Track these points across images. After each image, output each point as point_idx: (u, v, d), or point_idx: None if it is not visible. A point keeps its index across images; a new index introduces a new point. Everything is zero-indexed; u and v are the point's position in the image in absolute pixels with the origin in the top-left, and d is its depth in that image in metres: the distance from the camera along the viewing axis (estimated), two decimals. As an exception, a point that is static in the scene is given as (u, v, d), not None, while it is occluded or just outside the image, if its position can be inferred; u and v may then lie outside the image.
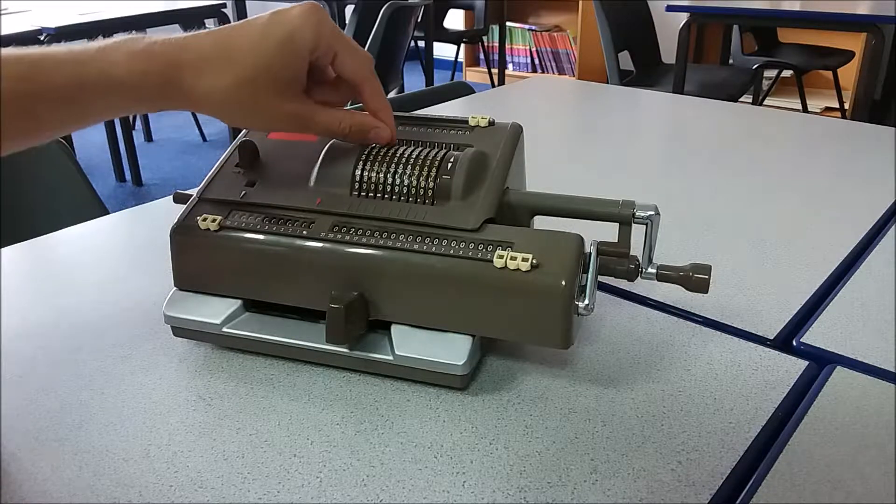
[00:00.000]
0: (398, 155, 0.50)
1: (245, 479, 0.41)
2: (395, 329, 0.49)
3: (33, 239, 0.74)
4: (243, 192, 0.52)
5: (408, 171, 0.49)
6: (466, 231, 0.47)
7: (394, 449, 0.44)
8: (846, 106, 3.36)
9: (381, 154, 0.50)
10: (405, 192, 0.49)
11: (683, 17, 2.53)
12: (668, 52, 2.78)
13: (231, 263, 0.51)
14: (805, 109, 3.20)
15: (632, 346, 0.53)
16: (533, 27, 4.63)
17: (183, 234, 0.51)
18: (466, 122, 0.54)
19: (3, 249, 0.71)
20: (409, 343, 0.48)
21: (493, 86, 4.30)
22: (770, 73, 3.43)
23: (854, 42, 3.00)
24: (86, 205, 0.91)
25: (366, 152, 0.51)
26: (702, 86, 2.65)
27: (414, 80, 4.35)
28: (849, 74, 3.28)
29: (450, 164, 0.49)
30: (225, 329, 0.51)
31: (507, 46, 4.71)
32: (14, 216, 0.81)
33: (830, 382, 0.49)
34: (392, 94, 2.47)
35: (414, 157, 0.50)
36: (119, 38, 0.43)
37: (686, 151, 1.00)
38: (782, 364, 0.51)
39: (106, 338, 0.55)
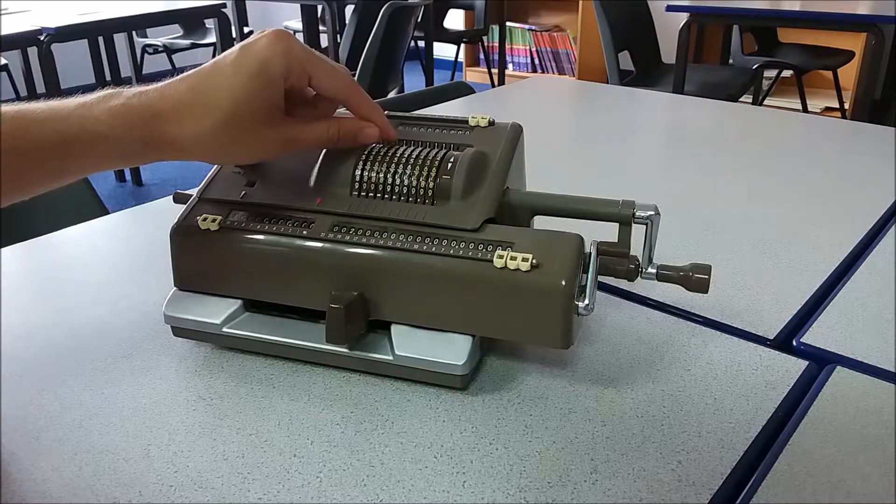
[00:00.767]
0: (398, 155, 0.50)
1: (245, 479, 0.41)
2: (395, 329, 0.49)
3: (33, 239, 0.74)
4: (243, 192, 0.52)
5: (408, 171, 0.49)
6: (466, 231, 0.47)
7: (394, 449, 0.44)
8: (846, 106, 3.36)
9: (381, 154, 0.50)
10: (405, 192, 0.49)
11: (683, 17, 2.53)
12: (668, 52, 2.78)
13: (231, 263, 0.51)
14: (805, 109, 3.20)
15: (632, 346, 0.53)
16: (533, 27, 4.63)
17: (183, 234, 0.51)
18: (466, 122, 0.54)
19: (3, 249, 0.71)
20: (409, 343, 0.48)
21: (493, 86, 4.30)
22: (770, 73, 3.44)
23: (854, 42, 3.00)
24: (86, 205, 0.91)
25: (366, 152, 0.51)
26: (702, 86, 2.65)
27: (414, 80, 4.35)
28: (849, 74, 3.28)
29: (450, 164, 0.49)
30: (225, 329, 0.51)
31: (507, 46, 4.71)
32: (14, 216, 0.81)
33: (830, 382, 0.49)
34: (392, 94, 2.47)
35: (414, 157, 0.50)
36: (97, 94, 0.43)
37: (686, 151, 1.00)
38: (782, 364, 0.51)
39: (106, 338, 0.55)
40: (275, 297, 0.51)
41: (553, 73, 4.71)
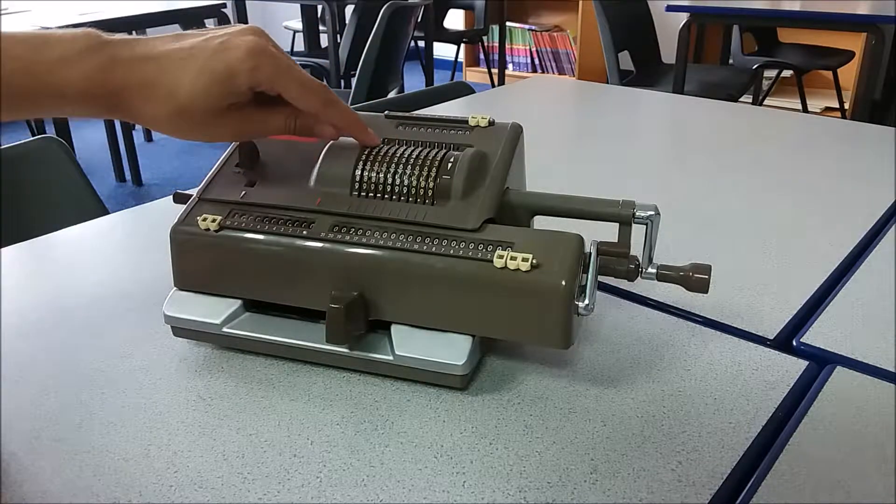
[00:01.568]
0: (398, 155, 0.50)
1: (245, 479, 0.41)
2: (395, 329, 0.49)
3: (33, 239, 0.74)
4: (243, 192, 0.52)
5: (408, 171, 0.49)
6: (466, 231, 0.47)
7: (394, 449, 0.44)
8: (846, 106, 3.36)
9: (381, 154, 0.50)
10: (405, 192, 0.49)
11: (683, 17, 2.53)
12: (668, 52, 2.78)
13: (231, 263, 0.51)
14: (805, 109, 3.20)
15: (632, 346, 0.53)
16: (533, 27, 4.63)
17: (183, 234, 0.51)
18: (466, 122, 0.54)
19: (3, 249, 0.71)
20: (409, 343, 0.48)
21: (493, 86, 4.30)
22: (770, 73, 3.43)
23: (854, 42, 3.00)
24: (86, 205, 0.91)
25: (366, 152, 0.51)
26: (702, 86, 2.65)
27: (414, 80, 4.35)
28: (849, 74, 3.28)
29: (450, 164, 0.49)
30: (225, 329, 0.51)
31: (507, 46, 4.71)
32: (14, 216, 0.81)
33: (830, 382, 0.49)
34: (392, 94, 2.47)
35: (414, 157, 0.50)
36: (78, 43, 0.44)
37: (686, 151, 1.00)
38: (782, 364, 0.51)
39: (106, 338, 0.55)
40: (275, 298, 0.51)
41: (553, 73, 4.71)
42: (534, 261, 0.44)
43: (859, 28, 2.32)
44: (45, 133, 1.24)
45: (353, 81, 2.45)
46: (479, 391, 0.49)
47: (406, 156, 0.50)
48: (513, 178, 0.52)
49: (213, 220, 0.50)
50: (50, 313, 0.59)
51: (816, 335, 0.54)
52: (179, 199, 0.55)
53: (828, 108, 3.57)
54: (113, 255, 0.71)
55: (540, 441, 0.44)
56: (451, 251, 0.46)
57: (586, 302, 0.45)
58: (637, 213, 0.48)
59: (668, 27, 2.93)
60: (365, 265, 0.47)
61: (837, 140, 1.03)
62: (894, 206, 0.78)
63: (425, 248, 0.47)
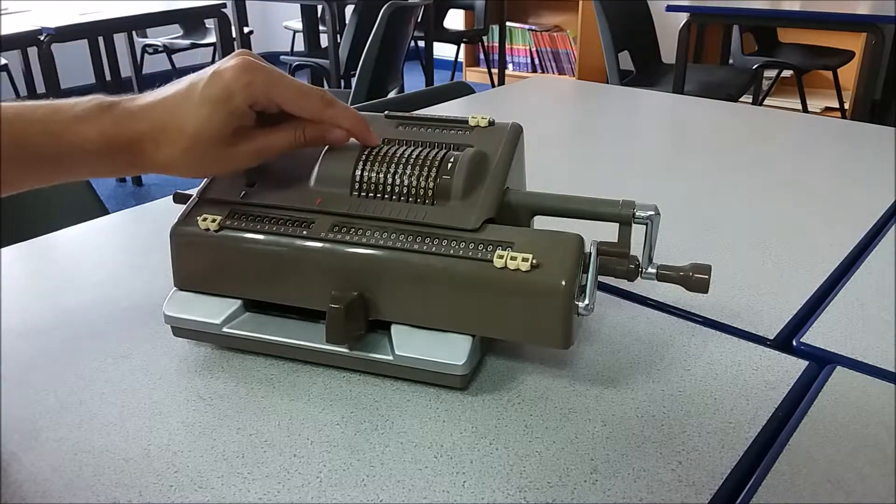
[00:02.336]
0: (398, 155, 0.50)
1: (245, 479, 0.41)
2: (395, 329, 0.49)
3: (33, 239, 0.74)
4: (243, 192, 0.52)
5: (408, 171, 0.49)
6: (466, 231, 0.47)
7: (394, 449, 0.44)
8: (846, 106, 3.36)
9: (381, 154, 0.50)
10: (405, 192, 0.49)
11: (683, 17, 2.53)
12: (668, 52, 2.78)
13: (231, 263, 0.51)
14: (805, 109, 3.20)
15: (632, 346, 0.53)
16: (533, 27, 4.63)
17: (183, 234, 0.51)
18: (466, 122, 0.54)
19: (3, 249, 0.71)
20: (409, 343, 0.48)
21: (493, 86, 4.30)
22: (770, 73, 3.43)
23: (854, 42, 3.00)
24: (86, 205, 0.91)
25: (366, 152, 0.51)
26: (702, 86, 2.65)
27: (414, 80, 4.35)
28: (849, 74, 3.28)
29: (450, 164, 0.49)
30: (225, 329, 0.51)
31: (507, 46, 4.71)
32: (14, 216, 0.81)
33: (830, 382, 0.49)
34: (392, 94, 2.47)
35: (414, 157, 0.50)
36: (90, 104, 0.46)
37: (686, 151, 1.00)
38: (782, 364, 0.51)
39: (106, 338, 0.55)
40: (275, 298, 0.51)
41: (553, 73, 4.71)
42: (534, 261, 0.44)
43: (859, 28, 2.32)
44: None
45: (353, 81, 2.45)
46: (479, 391, 0.49)
47: (406, 156, 0.50)
48: (513, 178, 0.52)
49: (213, 220, 0.50)
50: (50, 313, 0.59)
51: (816, 335, 0.54)
52: (179, 199, 0.55)
53: (828, 108, 3.57)
54: (113, 255, 0.71)
55: (540, 441, 0.44)
56: (451, 251, 0.46)
57: (586, 302, 0.45)
58: (637, 213, 0.48)
59: (668, 27, 2.93)
60: (365, 265, 0.47)
61: (837, 140, 1.03)
62: (894, 206, 0.78)
63: (425, 248, 0.47)
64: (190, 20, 3.88)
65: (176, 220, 0.52)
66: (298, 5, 3.58)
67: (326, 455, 0.43)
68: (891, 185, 0.83)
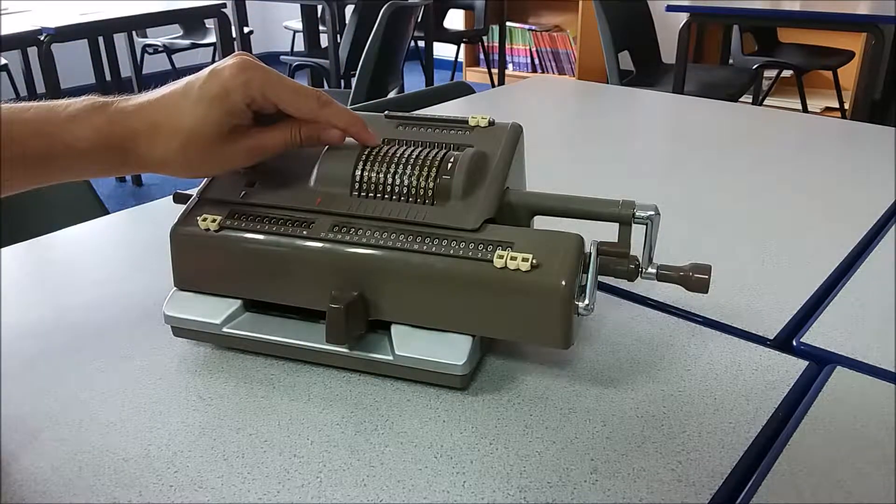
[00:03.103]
0: (398, 155, 0.50)
1: (245, 479, 0.41)
2: (395, 329, 0.49)
3: (33, 239, 0.74)
4: (243, 192, 0.52)
5: (408, 171, 0.49)
6: (466, 231, 0.47)
7: (394, 449, 0.44)
8: (846, 106, 3.36)
9: (381, 154, 0.50)
10: (405, 192, 0.49)
11: (683, 17, 2.53)
12: (668, 52, 2.77)
13: (231, 263, 0.51)
14: (805, 109, 3.20)
15: (632, 346, 0.53)
16: (533, 27, 4.63)
17: (183, 234, 0.51)
18: (466, 122, 0.54)
19: (3, 249, 0.71)
20: (409, 343, 0.48)
21: (493, 86, 4.30)
22: (770, 73, 3.43)
23: (854, 42, 3.00)
24: (86, 205, 0.91)
25: (366, 153, 0.51)
26: (702, 86, 2.65)
27: (414, 80, 4.35)
28: (849, 74, 3.28)
29: (450, 164, 0.49)
30: (225, 329, 0.51)
31: (507, 46, 4.71)
32: (14, 216, 0.81)
33: (830, 382, 0.49)
34: (392, 94, 2.47)
35: (414, 157, 0.50)
36: (85, 103, 0.46)
37: (686, 151, 1.00)
38: (782, 364, 0.51)
39: (106, 338, 0.55)
40: (275, 298, 0.51)
41: (553, 73, 4.71)
42: (534, 261, 0.44)
43: (859, 28, 2.32)
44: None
45: (353, 82, 2.45)
46: (479, 391, 0.49)
47: (406, 156, 0.50)
48: (513, 178, 0.52)
49: (213, 220, 0.50)
50: (50, 313, 0.59)
51: (816, 335, 0.54)
52: (179, 199, 0.55)
53: (828, 108, 3.57)
54: (113, 255, 0.71)
55: (540, 441, 0.44)
56: (451, 251, 0.46)
57: (586, 302, 0.45)
58: (637, 213, 0.48)
59: (668, 27, 2.93)
60: (365, 265, 0.47)
61: (837, 140, 1.03)
62: (894, 206, 0.78)
63: (425, 248, 0.47)
64: (190, 20, 3.88)
65: (176, 220, 0.52)
66: (298, 5, 3.58)
67: (326, 455, 0.43)
68: (891, 185, 0.83)
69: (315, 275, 0.49)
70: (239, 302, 0.52)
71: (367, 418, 0.46)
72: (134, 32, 3.74)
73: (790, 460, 0.42)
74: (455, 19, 4.70)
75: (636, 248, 0.49)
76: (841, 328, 0.55)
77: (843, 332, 0.55)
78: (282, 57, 3.45)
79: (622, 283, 0.60)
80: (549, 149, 1.00)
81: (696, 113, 1.20)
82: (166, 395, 0.49)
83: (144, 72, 3.74)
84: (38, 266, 0.69)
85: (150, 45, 3.94)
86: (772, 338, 0.55)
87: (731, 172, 0.90)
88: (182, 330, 0.53)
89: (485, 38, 4.38)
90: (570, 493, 0.40)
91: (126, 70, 3.49)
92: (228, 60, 0.47)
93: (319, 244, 0.48)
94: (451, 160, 0.49)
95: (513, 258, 0.45)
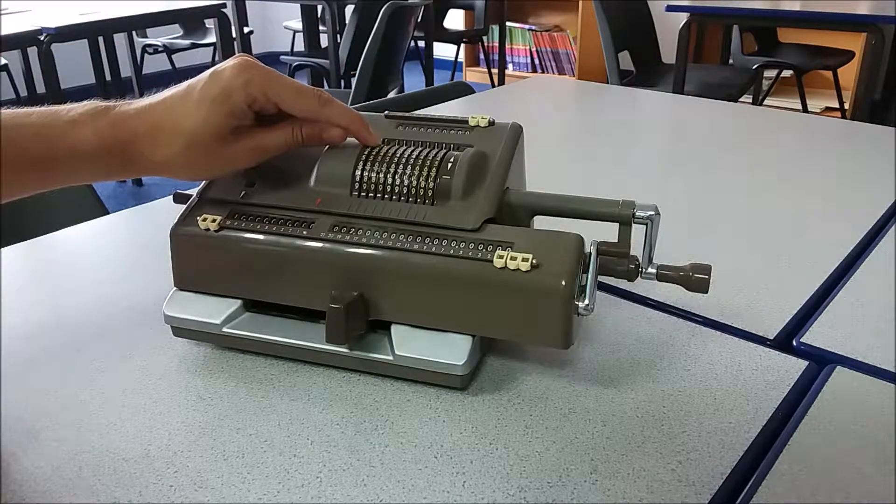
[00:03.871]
0: (398, 155, 0.50)
1: (245, 479, 0.41)
2: (395, 329, 0.49)
3: (33, 239, 0.74)
4: (243, 192, 0.52)
5: (408, 172, 0.49)
6: (466, 231, 0.47)
7: (394, 449, 0.44)
8: (846, 106, 3.36)
9: (381, 154, 0.50)
10: (405, 192, 0.49)
11: (683, 17, 2.53)
12: (668, 52, 2.78)
13: (231, 263, 0.51)
14: (805, 109, 3.20)
15: (632, 346, 0.53)
16: (533, 27, 4.63)
17: (183, 234, 0.51)
18: (466, 122, 0.54)
19: (3, 249, 0.71)
20: (409, 343, 0.48)
21: (493, 86, 4.30)
22: (770, 73, 3.43)
23: (854, 42, 3.00)
24: (86, 205, 0.91)
25: (366, 152, 0.51)
26: (702, 86, 2.65)
27: (414, 80, 4.35)
28: (849, 74, 3.28)
29: (450, 164, 0.49)
30: (225, 329, 0.51)
31: (507, 46, 4.71)
32: (14, 216, 0.81)
33: (830, 382, 0.49)
34: (392, 94, 2.47)
35: (414, 157, 0.50)
36: (87, 108, 0.47)
37: (686, 151, 1.00)
38: (782, 364, 0.51)
39: (106, 338, 0.55)
40: (275, 297, 0.51)
41: (553, 73, 4.71)
42: (534, 261, 0.44)
43: (859, 28, 2.32)
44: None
45: (353, 81, 2.45)
46: (479, 391, 0.49)
47: (406, 156, 0.50)
48: (513, 178, 0.52)
49: (213, 220, 0.50)
50: (50, 313, 0.59)
51: (816, 335, 0.54)
52: (179, 199, 0.55)
53: (828, 108, 3.57)
54: (113, 255, 0.71)
55: (540, 441, 0.44)
56: (451, 251, 0.46)
57: (586, 302, 0.45)
58: (637, 213, 0.48)
59: (668, 27, 2.93)
60: (365, 265, 0.47)
61: (837, 140, 1.03)
62: (894, 206, 0.78)
63: (425, 248, 0.47)
64: (190, 20, 3.88)
65: (176, 220, 0.52)
66: (298, 5, 3.58)
67: (326, 455, 0.43)
68: (891, 185, 0.83)
69: (315, 275, 0.49)
70: (239, 302, 0.52)
71: (367, 418, 0.46)
72: (134, 32, 3.74)
73: (790, 460, 0.42)
74: (455, 19, 4.70)
75: (636, 248, 0.49)
76: (841, 328, 0.55)
77: (843, 333, 0.55)
78: (282, 57, 3.45)
79: (622, 283, 0.60)
80: (549, 149, 1.00)
81: (696, 113, 1.20)
82: (166, 395, 0.49)
83: (144, 72, 3.75)
84: (38, 266, 0.69)
85: (150, 45, 3.94)
86: (772, 338, 0.55)
87: (731, 172, 0.90)
88: (182, 330, 0.53)
89: (485, 38, 4.38)
90: (570, 493, 0.40)
91: (126, 70, 3.50)
92: (229, 62, 0.47)
93: (319, 244, 0.48)
94: (451, 160, 0.49)
95: (513, 258, 0.45)
